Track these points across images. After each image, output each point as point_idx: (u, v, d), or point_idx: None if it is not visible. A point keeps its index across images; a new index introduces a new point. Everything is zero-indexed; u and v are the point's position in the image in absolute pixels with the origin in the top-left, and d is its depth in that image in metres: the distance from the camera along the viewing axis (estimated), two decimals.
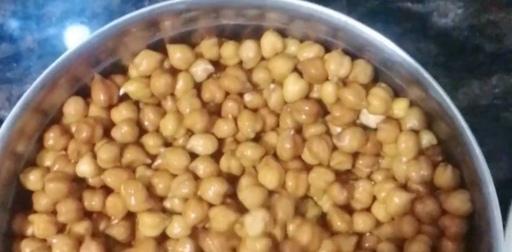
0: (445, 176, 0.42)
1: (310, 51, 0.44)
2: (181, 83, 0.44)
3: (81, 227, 0.41)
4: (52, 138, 0.42)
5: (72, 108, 0.43)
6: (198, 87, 0.45)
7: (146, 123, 0.44)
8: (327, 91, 0.43)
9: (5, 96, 0.52)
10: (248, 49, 0.44)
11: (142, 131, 0.44)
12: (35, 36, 0.54)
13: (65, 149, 0.43)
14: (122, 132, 0.42)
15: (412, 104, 0.44)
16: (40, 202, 0.42)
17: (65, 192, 0.41)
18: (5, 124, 0.40)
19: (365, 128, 0.44)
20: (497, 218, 0.39)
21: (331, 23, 0.41)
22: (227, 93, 0.44)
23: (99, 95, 0.43)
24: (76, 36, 0.54)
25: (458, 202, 0.42)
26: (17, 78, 0.53)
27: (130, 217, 0.42)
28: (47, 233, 0.41)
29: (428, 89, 0.41)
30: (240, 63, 0.45)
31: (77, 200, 0.42)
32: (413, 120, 0.43)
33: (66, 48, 0.54)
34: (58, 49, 0.54)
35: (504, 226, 0.41)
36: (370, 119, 0.44)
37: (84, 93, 0.44)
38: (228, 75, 0.44)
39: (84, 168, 0.41)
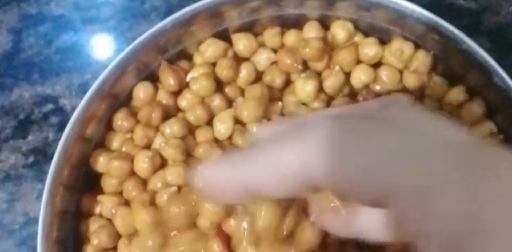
0: None
1: (371, 49, 0.45)
2: (245, 71, 0.45)
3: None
4: (120, 119, 0.43)
5: (141, 92, 0.44)
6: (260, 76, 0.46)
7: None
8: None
9: (66, 85, 0.53)
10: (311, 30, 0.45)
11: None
12: (95, 27, 0.55)
13: (132, 131, 0.43)
14: (196, 114, 0.43)
15: (471, 92, 0.44)
16: (108, 183, 0.42)
17: (128, 171, 0.42)
18: (78, 109, 0.41)
19: None
20: None
21: (398, 11, 0.42)
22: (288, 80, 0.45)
23: (169, 80, 0.44)
24: (135, 28, 0.55)
25: None
26: (77, 67, 0.54)
27: None
28: None
29: (492, 76, 0.41)
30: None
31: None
32: (474, 108, 0.44)
33: (125, 39, 0.55)
34: (117, 40, 0.55)
35: None
36: None
37: (152, 79, 0.45)
38: (283, 55, 0.45)
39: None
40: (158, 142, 0.43)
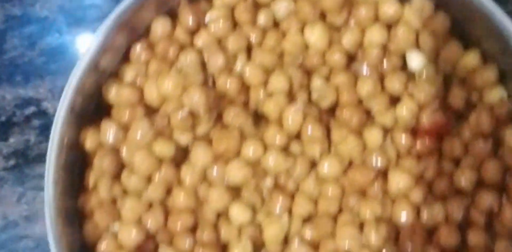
0: None
1: (390, 7, 0.45)
2: (262, 17, 0.45)
3: None
4: (138, 50, 0.43)
5: (160, 26, 0.44)
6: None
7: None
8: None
9: (49, 88, 0.53)
10: None
11: None
12: (80, 30, 0.54)
13: (147, 65, 0.43)
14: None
15: (486, 57, 0.45)
16: (119, 114, 0.42)
17: (137, 100, 0.42)
18: (95, 39, 0.41)
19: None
20: None
21: None
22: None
23: (188, 18, 0.44)
24: None
25: None
26: (61, 70, 0.53)
27: None
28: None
29: (509, 41, 0.41)
30: None
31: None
32: (487, 73, 0.44)
33: None
34: None
35: None
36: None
37: (170, 16, 0.45)
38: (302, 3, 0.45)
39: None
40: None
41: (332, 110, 0.44)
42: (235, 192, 0.42)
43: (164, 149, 0.40)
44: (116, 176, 0.41)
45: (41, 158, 0.51)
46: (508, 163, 0.43)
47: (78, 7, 0.54)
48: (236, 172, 0.40)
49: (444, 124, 0.44)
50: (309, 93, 0.44)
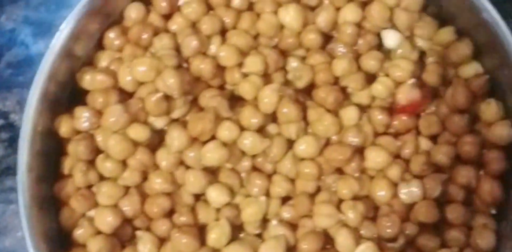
0: (489, 110, 0.43)
1: None
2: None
3: None
4: (111, 36, 0.43)
5: (133, 12, 0.44)
6: None
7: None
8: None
9: (16, 100, 0.52)
10: None
11: None
12: (47, 41, 0.52)
13: (121, 51, 0.44)
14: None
15: (461, 33, 0.45)
16: (93, 100, 0.42)
17: (109, 86, 0.42)
18: (65, 24, 0.41)
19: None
20: None
21: None
22: None
23: (161, 2, 0.44)
24: None
25: (500, 131, 0.43)
26: (28, 82, 0.50)
27: None
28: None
29: (480, 12, 0.41)
30: None
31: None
32: (463, 48, 0.44)
33: None
34: None
35: None
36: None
37: (144, 2, 0.45)
38: None
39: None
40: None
41: (308, 90, 0.44)
42: (212, 174, 0.42)
43: (139, 133, 0.40)
44: (92, 162, 0.41)
45: (9, 171, 0.51)
46: (484, 137, 0.43)
47: (44, 19, 0.54)
48: (212, 154, 0.40)
49: (420, 101, 0.44)
50: (285, 74, 0.44)
